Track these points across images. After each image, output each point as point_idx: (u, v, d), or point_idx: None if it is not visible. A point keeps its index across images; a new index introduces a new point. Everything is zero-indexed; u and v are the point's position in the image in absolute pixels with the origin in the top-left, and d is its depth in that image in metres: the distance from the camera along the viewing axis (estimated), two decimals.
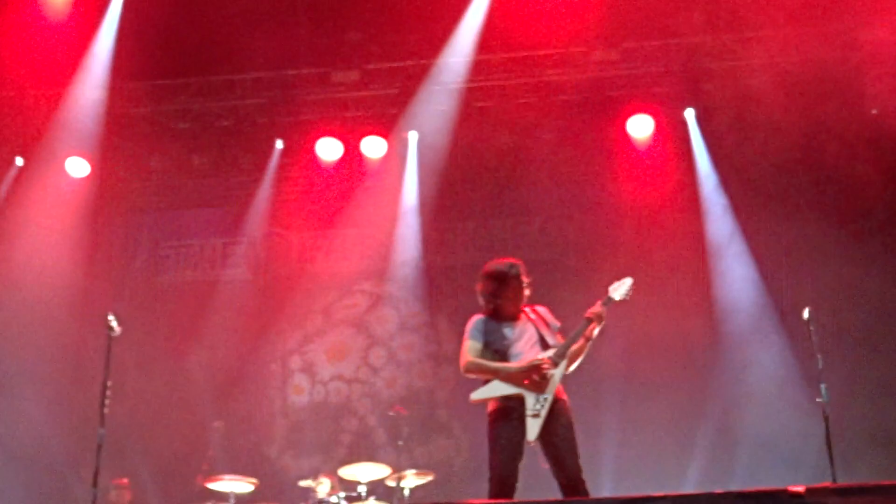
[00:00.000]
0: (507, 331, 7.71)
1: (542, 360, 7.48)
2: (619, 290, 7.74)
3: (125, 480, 11.54)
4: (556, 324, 7.85)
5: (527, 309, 7.88)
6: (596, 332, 7.61)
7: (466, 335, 7.77)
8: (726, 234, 13.02)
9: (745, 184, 13.19)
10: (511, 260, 7.95)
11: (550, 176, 13.76)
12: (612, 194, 13.82)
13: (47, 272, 12.88)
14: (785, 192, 13.09)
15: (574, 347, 7.59)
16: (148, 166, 13.83)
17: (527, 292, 7.85)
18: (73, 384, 13.09)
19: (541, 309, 7.97)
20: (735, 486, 11.25)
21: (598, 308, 7.62)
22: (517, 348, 7.65)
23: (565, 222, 13.97)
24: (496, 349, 7.66)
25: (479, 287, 7.91)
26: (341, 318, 14.05)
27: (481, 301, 7.88)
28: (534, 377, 7.44)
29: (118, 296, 13.50)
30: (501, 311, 7.79)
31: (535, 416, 7.40)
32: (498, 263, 7.96)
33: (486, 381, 7.63)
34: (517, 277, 7.80)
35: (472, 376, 7.70)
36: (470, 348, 7.70)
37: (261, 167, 13.75)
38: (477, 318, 7.84)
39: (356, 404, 13.66)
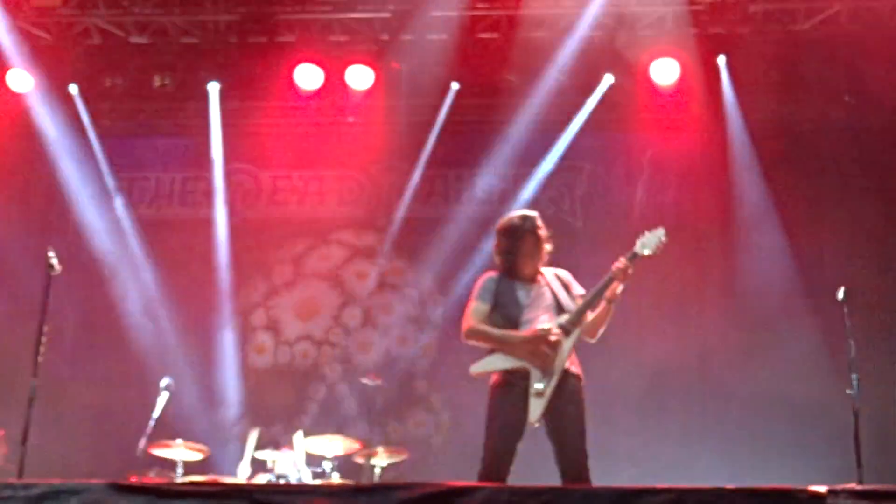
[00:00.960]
0: (520, 293, 7.66)
1: (548, 329, 7.44)
2: (649, 243, 7.57)
3: (1, 431, 11.58)
4: (580, 290, 7.77)
5: (546, 270, 7.85)
6: (619, 290, 7.51)
7: (473, 295, 7.74)
8: (756, 199, 13.04)
9: (780, 145, 13.20)
10: (525, 212, 7.92)
11: (558, 122, 13.74)
12: (629, 146, 13.85)
13: None
14: (825, 158, 13.09)
15: (594, 313, 7.57)
16: (101, 85, 13.74)
17: (547, 247, 7.78)
18: (5, 327, 13.11)
19: (562, 272, 7.91)
20: (750, 483, 11.35)
21: (622, 263, 7.48)
22: (529, 314, 7.59)
23: (574, 175, 14.00)
24: (506, 313, 7.61)
25: (493, 244, 7.93)
26: (313, 271, 14.08)
27: (496, 260, 7.87)
28: (541, 348, 7.43)
29: (60, 230, 13.49)
30: (516, 270, 7.74)
31: (539, 395, 7.36)
32: (511, 217, 7.94)
33: (491, 351, 7.61)
34: (532, 231, 7.74)
35: (473, 343, 7.67)
36: (475, 311, 7.67)
37: (230, 94, 13.70)
38: (488, 277, 7.82)
39: (325, 369, 13.72)
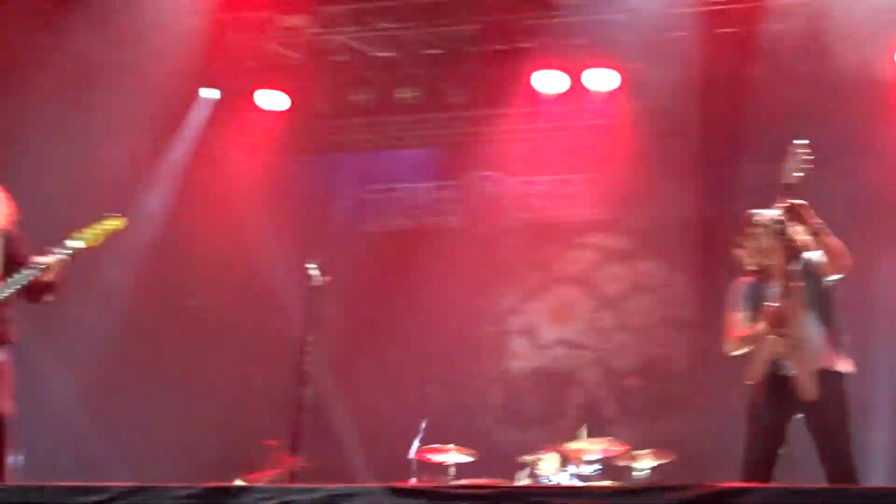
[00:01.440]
0: (774, 293, 7.39)
1: (775, 305, 7.24)
2: (789, 169, 7.35)
3: (277, 441, 11.89)
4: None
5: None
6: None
7: (730, 305, 7.62)
8: None
9: None
10: (765, 211, 7.64)
11: (809, 114, 13.45)
12: (885, 135, 13.41)
13: (240, 217, 13.35)
14: None
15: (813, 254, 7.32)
16: (347, 100, 14.07)
17: (807, 237, 7.35)
18: (269, 339, 13.50)
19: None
20: None
21: (778, 205, 7.30)
22: None
23: (828, 167, 13.65)
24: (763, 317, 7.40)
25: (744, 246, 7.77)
26: (566, 275, 14.20)
27: (744, 262, 7.74)
28: (780, 323, 7.24)
29: (316, 244, 13.85)
30: (769, 271, 7.53)
31: (802, 373, 7.22)
32: (753, 216, 7.69)
33: (754, 353, 7.45)
34: (777, 230, 7.43)
35: (738, 353, 7.55)
36: (734, 321, 7.55)
37: (474, 102, 13.86)
38: (741, 283, 7.68)
39: (583, 372, 13.81)
